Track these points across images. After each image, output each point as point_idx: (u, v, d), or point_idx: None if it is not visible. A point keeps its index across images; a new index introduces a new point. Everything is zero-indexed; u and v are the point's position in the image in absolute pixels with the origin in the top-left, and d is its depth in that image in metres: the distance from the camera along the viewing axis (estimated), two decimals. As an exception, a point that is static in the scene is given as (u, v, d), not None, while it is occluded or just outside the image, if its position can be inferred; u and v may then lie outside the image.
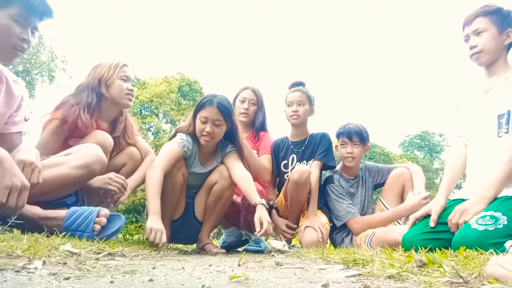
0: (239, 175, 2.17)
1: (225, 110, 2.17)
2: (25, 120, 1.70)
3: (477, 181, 1.72)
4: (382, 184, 2.70)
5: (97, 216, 1.60)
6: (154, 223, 1.81)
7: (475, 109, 1.81)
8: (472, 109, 1.83)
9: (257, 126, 2.88)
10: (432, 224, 1.70)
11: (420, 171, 2.54)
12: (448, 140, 2.03)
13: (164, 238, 1.81)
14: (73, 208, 1.59)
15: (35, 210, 1.50)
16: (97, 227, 1.58)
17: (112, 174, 1.96)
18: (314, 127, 2.87)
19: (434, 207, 1.75)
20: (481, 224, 1.44)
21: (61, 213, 1.56)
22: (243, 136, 2.47)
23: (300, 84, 2.82)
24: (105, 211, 1.64)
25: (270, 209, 2.66)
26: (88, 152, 1.71)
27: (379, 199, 2.64)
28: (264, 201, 2.05)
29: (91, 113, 2.01)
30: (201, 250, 2.20)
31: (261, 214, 1.97)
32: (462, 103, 1.93)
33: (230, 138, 2.31)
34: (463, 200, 1.72)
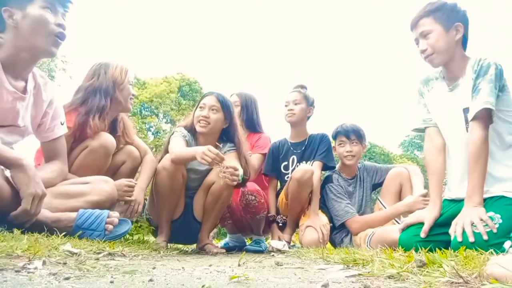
0: None
1: (223, 100, 2.27)
2: (61, 124, 1.76)
3: (457, 177, 1.72)
4: (381, 184, 2.71)
5: (108, 217, 1.64)
6: (200, 148, 1.93)
7: (442, 107, 1.78)
8: (439, 107, 1.80)
9: (246, 126, 2.92)
10: (422, 235, 1.66)
11: (418, 172, 2.54)
12: (412, 127, 1.94)
13: (214, 150, 1.91)
14: (82, 210, 1.62)
15: (46, 213, 1.53)
16: (110, 227, 1.61)
17: (124, 185, 1.98)
18: (314, 127, 2.90)
19: (428, 218, 1.69)
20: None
21: (71, 215, 1.59)
22: (244, 136, 2.49)
23: (299, 86, 2.87)
24: (115, 213, 1.68)
25: (271, 222, 2.68)
26: (105, 188, 1.76)
27: (378, 199, 2.65)
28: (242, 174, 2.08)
29: (104, 117, 2.04)
30: (201, 250, 2.20)
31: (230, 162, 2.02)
32: (428, 98, 1.86)
33: (229, 136, 2.32)
34: (454, 200, 1.72)
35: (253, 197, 2.45)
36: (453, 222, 1.52)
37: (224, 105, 2.26)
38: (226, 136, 2.34)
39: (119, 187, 1.92)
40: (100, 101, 2.03)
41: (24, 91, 1.55)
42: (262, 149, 2.85)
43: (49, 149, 1.75)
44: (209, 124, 2.23)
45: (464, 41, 1.72)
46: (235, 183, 2.02)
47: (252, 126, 2.95)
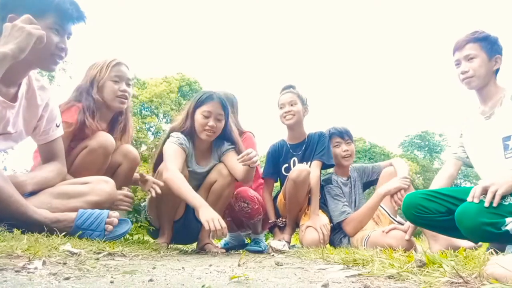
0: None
1: (226, 106, 2.24)
2: (57, 126, 1.75)
3: None
4: (370, 183, 2.80)
5: (108, 217, 1.63)
6: (209, 213, 1.84)
7: (479, 134, 1.90)
8: (476, 134, 1.93)
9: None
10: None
11: (403, 162, 2.64)
12: (449, 152, 2.18)
13: (223, 223, 1.81)
14: (81, 210, 1.61)
15: (46, 214, 1.52)
16: (109, 227, 1.61)
17: (119, 194, 1.95)
18: (314, 127, 2.87)
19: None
20: None
21: (71, 215, 1.59)
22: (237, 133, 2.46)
23: (290, 86, 2.80)
24: (115, 213, 1.67)
25: (272, 227, 2.67)
26: (105, 188, 1.76)
27: None
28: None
29: (92, 116, 2.02)
30: (201, 250, 2.20)
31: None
32: (465, 129, 2.01)
33: (225, 135, 2.31)
34: None
35: (246, 204, 2.42)
36: (483, 183, 1.57)
37: (226, 111, 2.24)
38: (222, 136, 2.32)
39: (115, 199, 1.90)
40: (87, 100, 2.03)
41: (15, 97, 1.53)
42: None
43: (46, 151, 1.75)
44: (215, 133, 2.21)
45: (496, 70, 1.89)
46: (256, 163, 2.05)
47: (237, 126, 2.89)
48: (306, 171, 2.44)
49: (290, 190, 2.48)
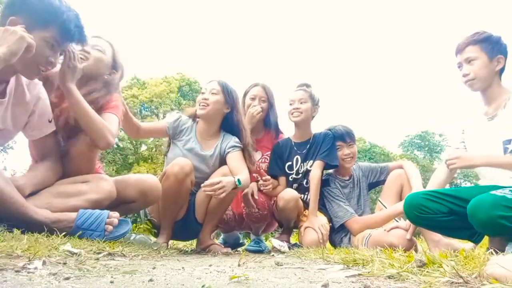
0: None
1: (225, 85, 2.28)
2: (49, 121, 1.73)
3: None
4: (377, 184, 2.78)
5: (108, 217, 1.63)
6: None
7: (480, 135, 1.89)
8: (477, 135, 1.92)
9: (270, 124, 2.85)
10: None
11: (414, 168, 2.60)
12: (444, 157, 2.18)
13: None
14: (81, 210, 1.61)
15: (46, 214, 1.52)
16: (110, 227, 1.60)
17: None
18: (314, 127, 2.86)
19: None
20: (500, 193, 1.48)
21: (71, 215, 1.58)
22: (248, 126, 2.47)
23: (304, 85, 2.79)
24: (115, 213, 1.67)
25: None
26: (104, 186, 1.75)
27: (379, 200, 2.66)
28: (238, 180, 2.05)
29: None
30: (207, 251, 2.17)
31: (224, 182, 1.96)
32: (467, 128, 2.00)
33: (232, 123, 2.31)
34: None
35: (256, 210, 2.49)
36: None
37: (225, 89, 2.25)
38: (228, 124, 2.31)
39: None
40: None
41: (3, 93, 1.52)
42: None
43: (39, 148, 1.74)
44: (208, 105, 2.21)
45: (501, 71, 1.87)
46: (223, 194, 1.96)
47: (276, 125, 2.91)
48: (293, 200, 2.47)
49: (280, 213, 2.55)
